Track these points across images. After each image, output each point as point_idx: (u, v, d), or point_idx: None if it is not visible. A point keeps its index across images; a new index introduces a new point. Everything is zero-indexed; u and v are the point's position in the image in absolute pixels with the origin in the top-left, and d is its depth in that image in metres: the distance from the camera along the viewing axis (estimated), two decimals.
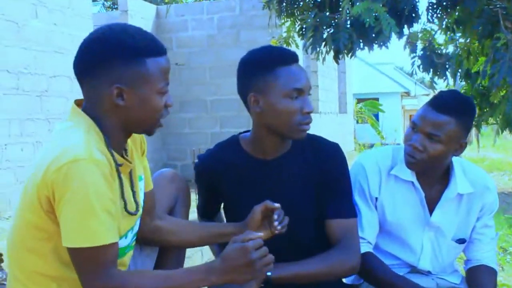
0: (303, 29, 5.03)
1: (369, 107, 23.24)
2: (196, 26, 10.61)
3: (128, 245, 1.83)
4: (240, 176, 2.12)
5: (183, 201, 2.18)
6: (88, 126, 1.65)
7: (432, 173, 2.24)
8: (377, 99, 25.98)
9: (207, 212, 2.34)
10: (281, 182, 2.10)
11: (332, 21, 4.57)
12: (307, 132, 2.06)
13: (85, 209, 1.52)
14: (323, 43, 4.38)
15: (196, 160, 2.22)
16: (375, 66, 30.72)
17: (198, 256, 4.72)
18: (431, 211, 2.27)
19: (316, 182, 2.11)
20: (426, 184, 2.25)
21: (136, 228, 1.86)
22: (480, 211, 2.31)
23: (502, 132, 8.16)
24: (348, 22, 4.46)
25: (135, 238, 1.88)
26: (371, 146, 21.40)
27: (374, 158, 2.31)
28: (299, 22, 5.32)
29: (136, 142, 1.94)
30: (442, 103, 2.13)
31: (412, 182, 2.24)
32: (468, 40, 5.16)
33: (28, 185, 1.61)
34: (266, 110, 1.97)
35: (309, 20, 4.52)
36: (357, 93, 22.15)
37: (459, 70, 6.18)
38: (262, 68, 1.96)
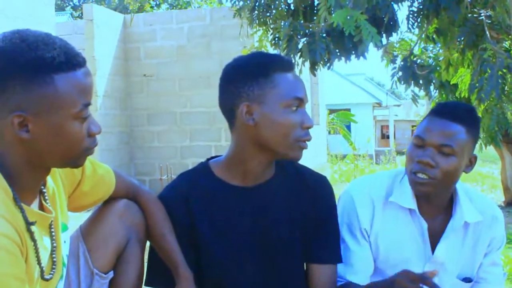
0: (276, 39, 4.78)
1: (341, 117, 23.22)
2: (165, 35, 10.32)
3: None
4: (216, 207, 1.78)
5: (137, 239, 1.74)
6: None
7: (438, 199, 1.93)
8: (349, 110, 25.97)
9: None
10: (265, 213, 1.78)
11: (307, 30, 4.31)
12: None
13: None
14: (299, 54, 4.12)
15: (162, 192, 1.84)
16: (347, 77, 30.73)
17: None
18: (433, 244, 1.96)
19: (302, 217, 1.81)
20: (428, 213, 1.94)
21: None
22: (488, 246, 2.01)
23: (486, 147, 7.92)
24: (323, 31, 4.21)
25: None
26: (344, 157, 21.30)
27: (366, 188, 1.99)
28: (271, 31, 5.07)
29: (62, 175, 1.57)
30: (449, 110, 1.85)
31: (413, 211, 1.93)
32: (448, 51, 4.94)
33: None
34: (261, 123, 1.67)
35: (282, 29, 4.25)
36: (328, 104, 22.03)
37: (433, 81, 5.99)
38: (257, 74, 1.67)
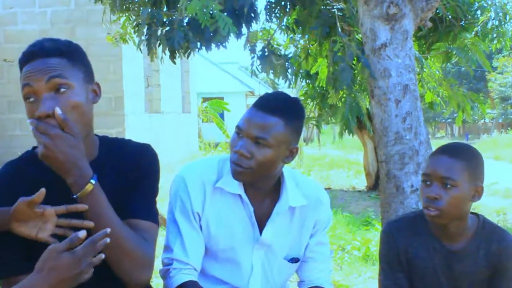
0: (139, 26, 4.71)
1: (214, 106, 23.36)
2: (27, 19, 9.90)
3: None
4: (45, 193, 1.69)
5: None
6: None
7: (261, 185, 2.02)
8: (222, 98, 26.16)
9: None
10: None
11: (169, 19, 4.29)
12: (117, 137, 1.83)
13: None
14: (158, 42, 4.09)
15: None
16: (220, 65, 30.91)
17: None
18: (261, 227, 2.05)
19: (128, 187, 1.80)
20: (255, 198, 2.03)
21: None
22: (314, 228, 2.13)
23: (342, 135, 8.33)
24: (186, 20, 4.22)
25: None
26: (217, 145, 21.50)
27: (197, 171, 2.04)
28: (134, 18, 4.99)
29: None
30: (268, 103, 1.93)
31: (240, 196, 2.01)
32: (307, 41, 5.11)
33: None
34: None
35: (141, 17, 4.20)
36: (202, 92, 22.08)
37: (300, 71, 6.16)
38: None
